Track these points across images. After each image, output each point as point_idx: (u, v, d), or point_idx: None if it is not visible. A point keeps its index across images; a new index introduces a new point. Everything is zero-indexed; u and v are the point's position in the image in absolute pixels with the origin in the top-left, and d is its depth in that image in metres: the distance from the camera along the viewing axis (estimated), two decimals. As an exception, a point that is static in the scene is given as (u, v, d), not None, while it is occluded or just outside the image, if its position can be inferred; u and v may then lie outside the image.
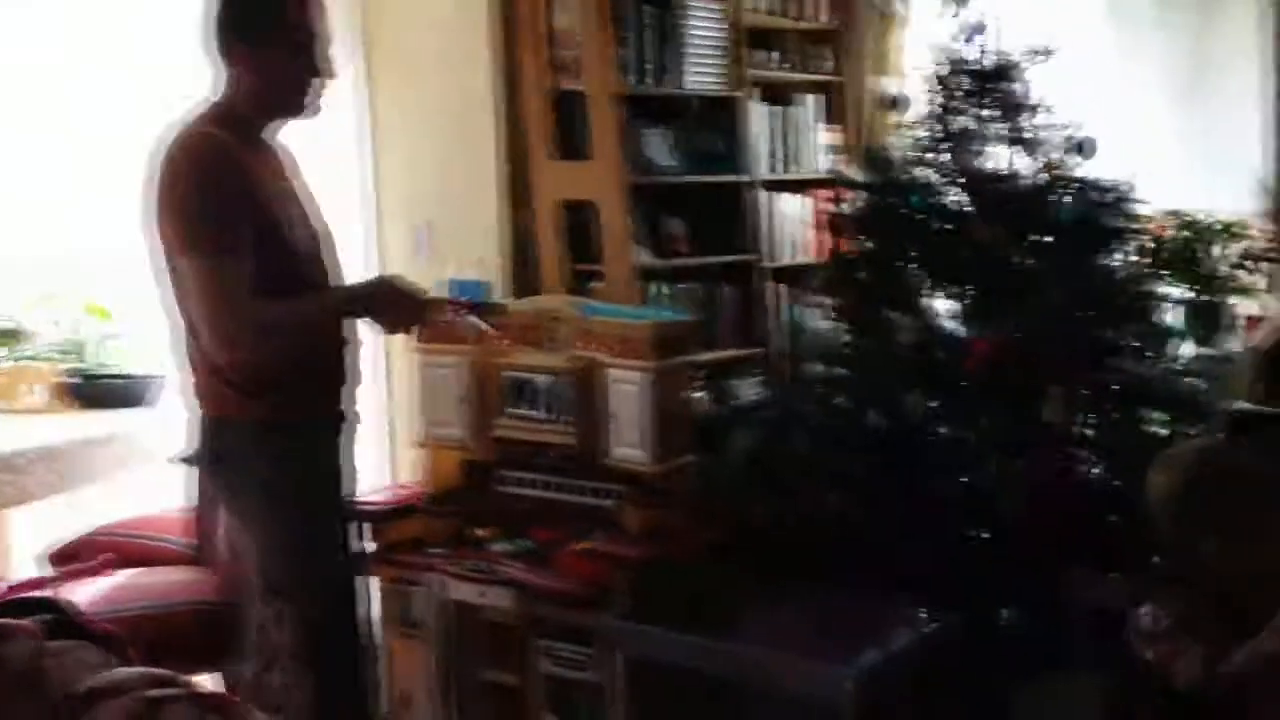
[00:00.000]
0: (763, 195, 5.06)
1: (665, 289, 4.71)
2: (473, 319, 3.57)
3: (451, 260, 4.58)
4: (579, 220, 4.70)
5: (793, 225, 5.22)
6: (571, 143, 4.65)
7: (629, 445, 3.99)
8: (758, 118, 5.10)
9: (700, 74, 4.89)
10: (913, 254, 4.38)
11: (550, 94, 4.64)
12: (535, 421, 4.10)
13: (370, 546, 4.10)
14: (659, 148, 4.78)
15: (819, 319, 4.77)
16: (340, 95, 4.64)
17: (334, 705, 3.37)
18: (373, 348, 4.55)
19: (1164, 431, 4.27)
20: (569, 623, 3.80)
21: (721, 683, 3.79)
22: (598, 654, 3.75)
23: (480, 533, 4.05)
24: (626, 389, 3.97)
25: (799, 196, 5.26)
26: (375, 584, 4.11)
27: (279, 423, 3.28)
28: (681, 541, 3.87)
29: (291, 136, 3.44)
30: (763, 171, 5.09)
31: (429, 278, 4.44)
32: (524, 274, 4.77)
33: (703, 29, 4.89)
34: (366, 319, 3.44)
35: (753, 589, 3.94)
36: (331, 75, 3.31)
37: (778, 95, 5.28)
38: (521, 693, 3.95)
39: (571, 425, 4.06)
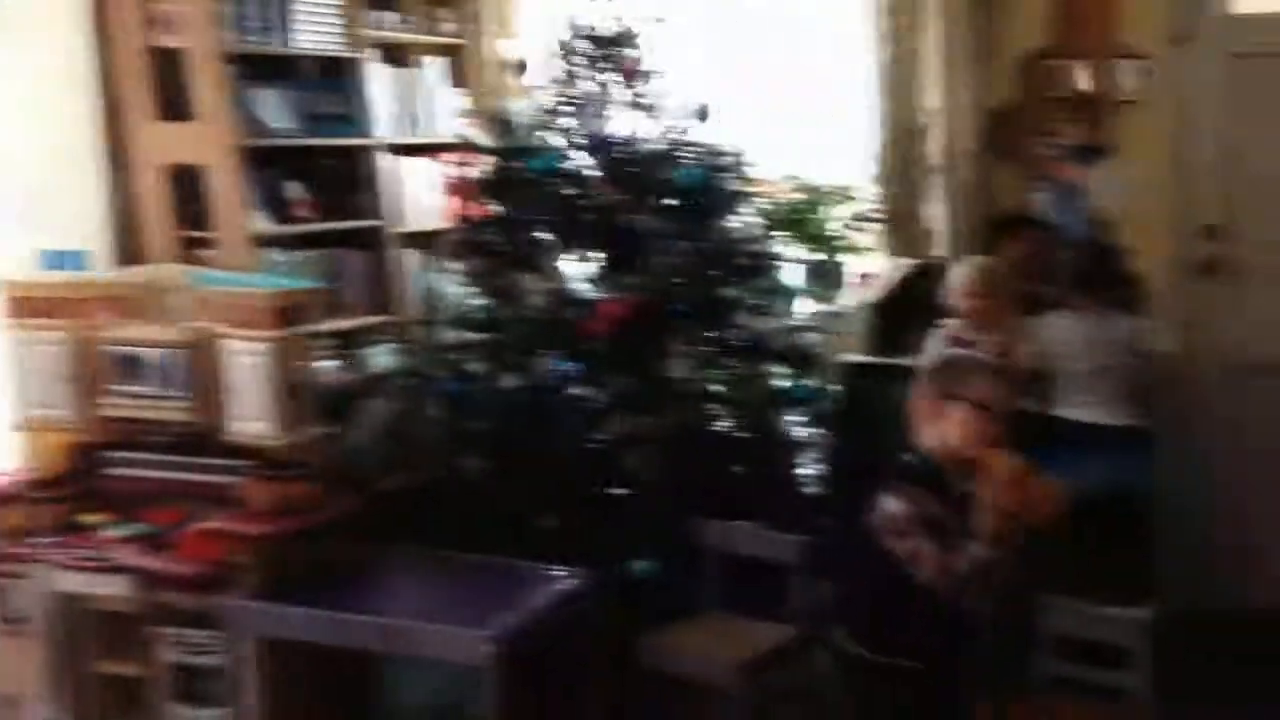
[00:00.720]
0: (389, 159, 4.93)
1: (286, 256, 4.52)
2: None
3: (48, 230, 4.22)
4: (190, 185, 4.43)
5: (422, 190, 5.11)
6: (177, 103, 4.38)
7: (251, 419, 3.83)
8: (380, 79, 4.95)
9: (314, 33, 4.70)
10: (541, 218, 4.39)
11: (148, 51, 4.35)
12: (147, 398, 3.87)
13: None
14: (273, 109, 4.56)
15: (451, 284, 4.71)
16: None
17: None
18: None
19: (785, 383, 4.46)
20: (193, 607, 3.60)
21: (361, 655, 3.71)
22: (225, 637, 3.57)
23: (91, 518, 3.79)
24: (246, 360, 3.80)
25: (427, 160, 5.16)
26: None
27: None
28: (312, 515, 3.73)
29: None
30: (388, 135, 4.96)
31: (24, 249, 4.13)
32: (129, 242, 4.46)
33: (314, -15, 4.70)
34: None
35: (389, 559, 3.87)
36: None
37: (400, 57, 5.16)
38: (145, 684, 3.72)
39: (188, 400, 3.87)
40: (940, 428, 2.83)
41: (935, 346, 4.29)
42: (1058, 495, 2.86)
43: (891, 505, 2.79)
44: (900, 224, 5.04)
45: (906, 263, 4.84)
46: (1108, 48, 4.86)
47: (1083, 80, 4.91)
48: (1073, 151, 4.92)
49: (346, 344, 4.63)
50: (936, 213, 5.00)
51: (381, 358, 4.68)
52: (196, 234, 4.44)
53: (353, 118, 4.84)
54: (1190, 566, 4.89)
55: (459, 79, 5.38)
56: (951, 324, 4.31)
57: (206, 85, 4.33)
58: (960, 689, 3.04)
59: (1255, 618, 4.77)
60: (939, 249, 4.96)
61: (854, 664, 2.93)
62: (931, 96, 4.97)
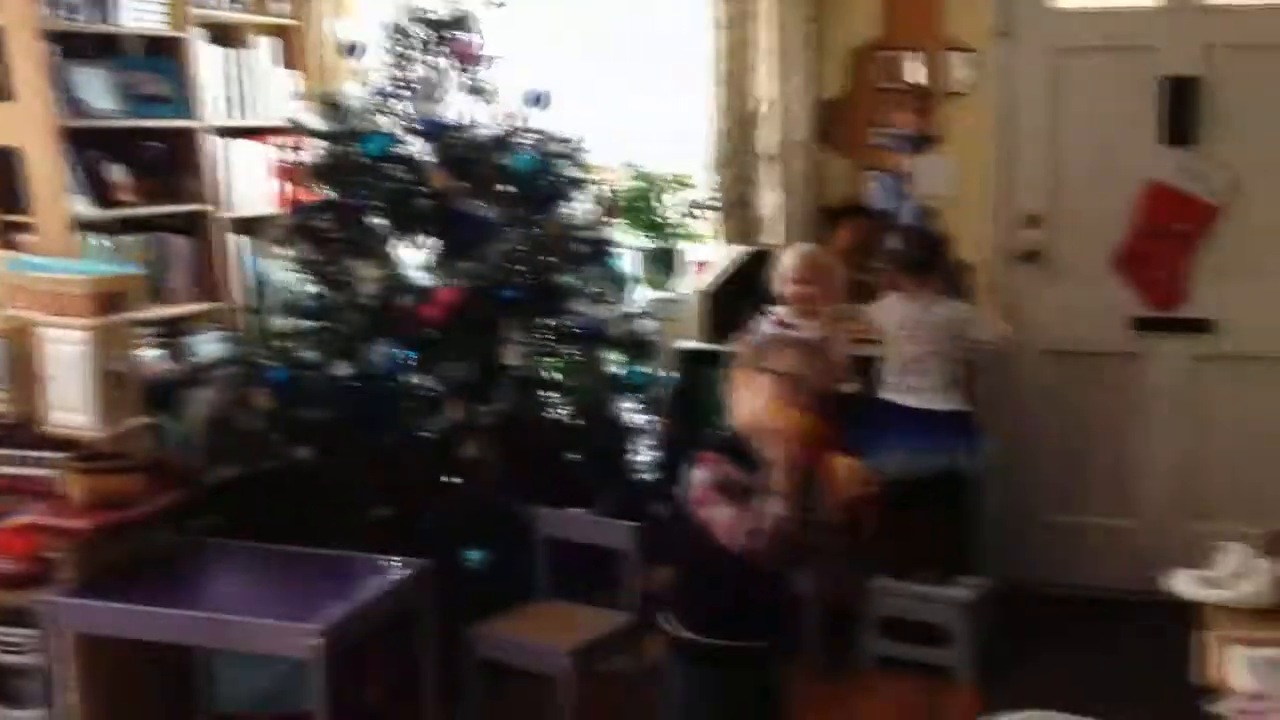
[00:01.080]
0: (217, 142, 4.82)
1: (108, 241, 4.39)
2: None
3: None
4: (7, 167, 4.28)
5: (252, 174, 5.00)
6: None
7: (71, 410, 3.72)
8: (208, 60, 4.83)
9: (139, 10, 4.56)
10: (374, 203, 4.34)
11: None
12: (-41, 389, 3.74)
13: None
14: (95, 89, 4.42)
15: (282, 270, 4.64)
16: None
17: None
18: None
19: (620, 370, 4.48)
20: (9, 604, 3.49)
21: (188, 651, 3.64)
22: (43, 635, 3.46)
23: (-101, 515, 3.64)
24: (65, 349, 3.69)
25: (257, 143, 5.05)
26: None
27: None
28: (135, 508, 3.64)
29: None
30: (216, 117, 4.84)
31: None
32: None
33: (134, -38, 4.56)
34: None
35: (216, 552, 3.79)
36: None
37: (230, 37, 5.04)
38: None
39: (4, 391, 3.76)
40: (749, 399, 2.87)
41: (762, 331, 4.36)
42: (863, 471, 2.91)
43: (694, 474, 2.83)
44: (735, 211, 5.10)
45: (741, 250, 4.90)
46: (937, 40, 4.99)
47: (913, 71, 5.03)
48: (903, 141, 5.04)
49: (172, 332, 4.52)
50: (771, 200, 5.07)
51: (209, 346, 4.58)
52: (13, 218, 4.29)
53: (179, 99, 4.71)
54: (1015, 546, 5.07)
55: (291, 60, 5.28)
56: (779, 309, 4.39)
57: (24, 64, 4.19)
58: (786, 670, 3.09)
59: (1078, 594, 4.97)
60: (773, 236, 5.04)
61: (684, 647, 2.96)
62: (766, 85, 5.03)
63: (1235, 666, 2.59)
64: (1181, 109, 4.77)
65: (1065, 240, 4.96)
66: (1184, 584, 3.07)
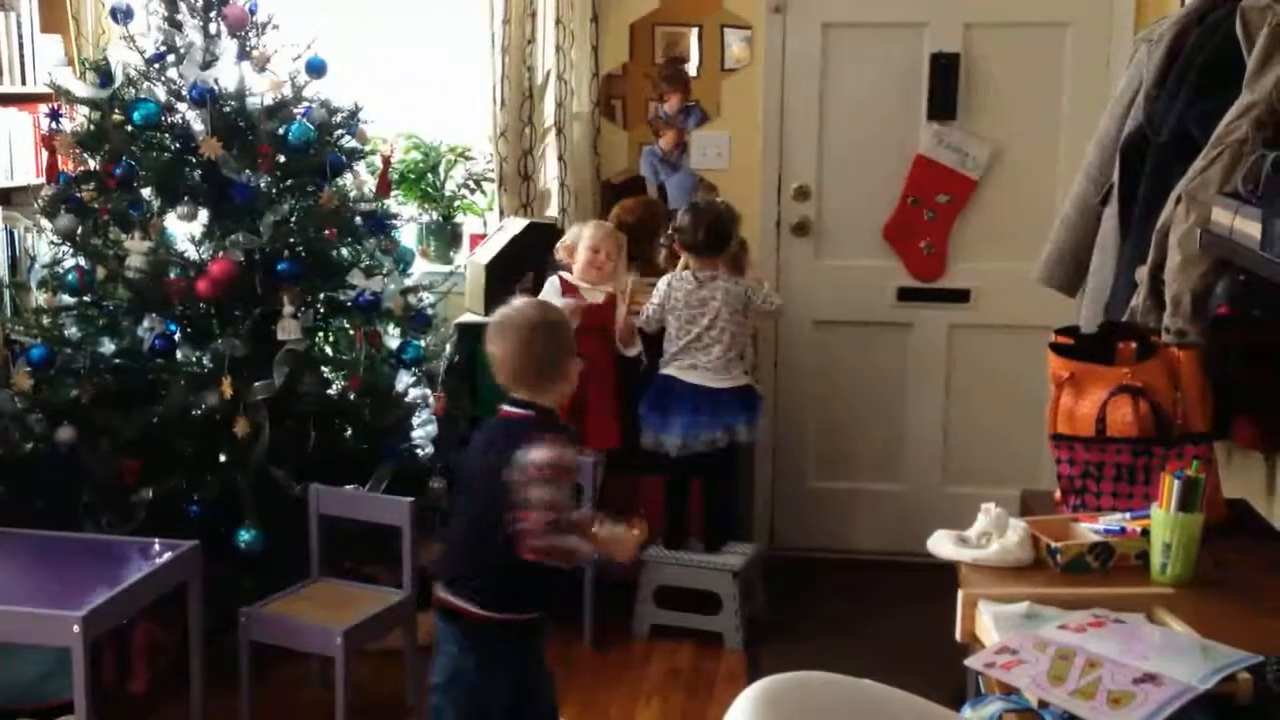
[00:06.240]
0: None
1: None
2: None
3: None
4: None
5: (13, 142, 4.80)
6: None
7: None
8: (-39, 22, 4.62)
9: (-119, -31, 4.33)
10: (143, 173, 4.21)
11: None
12: None
13: None
14: None
15: (44, 244, 4.46)
16: None
17: None
18: None
19: (396, 343, 4.46)
20: None
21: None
22: None
23: None
24: None
25: (18, 111, 4.84)
26: None
27: None
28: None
29: None
30: (-29, 82, 4.64)
31: None
32: None
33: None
34: None
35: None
36: None
37: (-14, -2, 4.81)
38: None
39: None
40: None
41: (549, 297, 4.38)
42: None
43: (533, 451, 2.85)
44: (515, 184, 5.09)
45: (520, 222, 4.90)
46: (714, 15, 5.06)
47: (691, 46, 5.10)
48: (681, 115, 5.11)
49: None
50: (551, 173, 5.09)
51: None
52: None
53: (-71, 63, 4.50)
54: (785, 513, 5.23)
55: (54, 23, 5.07)
56: (566, 275, 4.42)
57: None
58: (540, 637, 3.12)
59: (847, 558, 5.16)
60: (552, 209, 5.06)
61: (464, 622, 2.96)
62: (547, 58, 5.04)
63: (983, 622, 2.71)
64: (945, 85, 4.95)
65: (834, 212, 5.10)
66: (939, 544, 3.19)
